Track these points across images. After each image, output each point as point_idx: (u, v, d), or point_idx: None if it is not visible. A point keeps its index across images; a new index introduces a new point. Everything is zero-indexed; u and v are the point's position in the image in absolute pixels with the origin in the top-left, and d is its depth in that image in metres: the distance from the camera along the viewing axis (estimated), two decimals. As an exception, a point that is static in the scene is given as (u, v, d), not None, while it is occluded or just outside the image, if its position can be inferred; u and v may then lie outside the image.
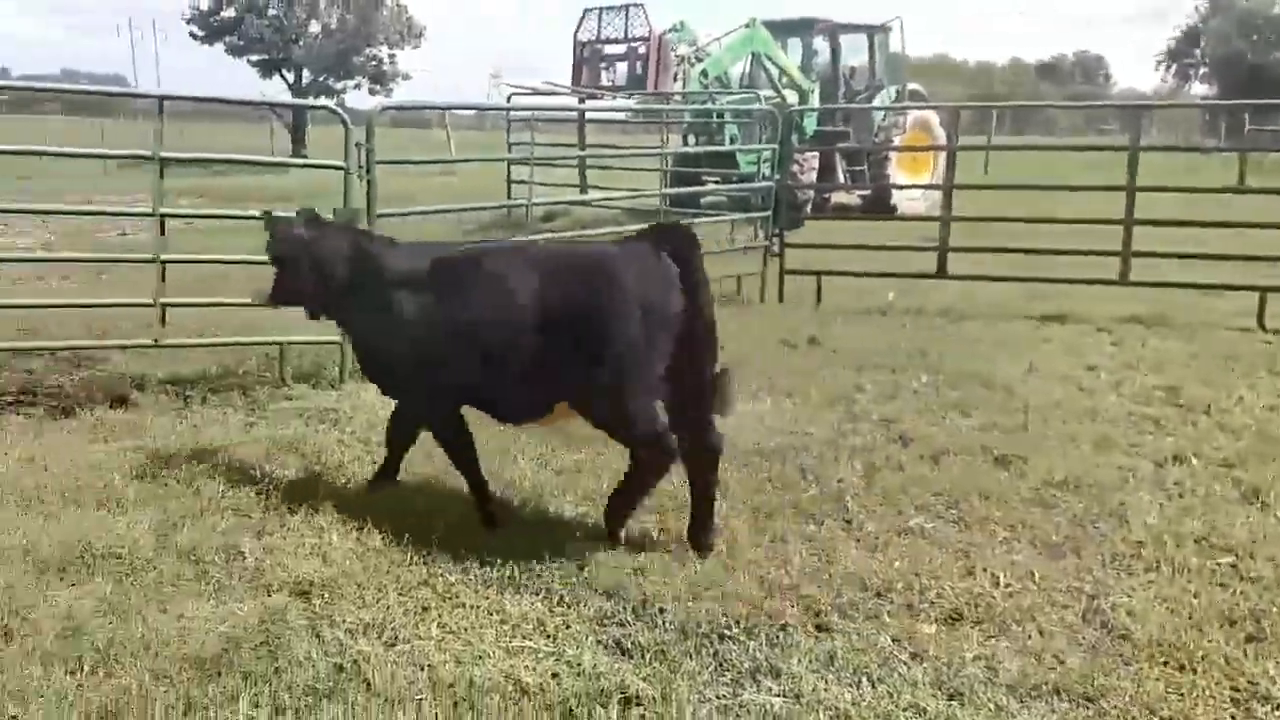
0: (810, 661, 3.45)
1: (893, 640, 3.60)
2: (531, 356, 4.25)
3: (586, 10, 16.98)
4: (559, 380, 4.30)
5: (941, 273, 9.72)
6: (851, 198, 19.31)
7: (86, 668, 3.24)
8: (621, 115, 19.57)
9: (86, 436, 5.55)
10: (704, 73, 15.66)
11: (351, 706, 3.11)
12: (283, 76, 41.49)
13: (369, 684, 3.22)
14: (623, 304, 4.18)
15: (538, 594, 3.88)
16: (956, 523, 4.66)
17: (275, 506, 4.54)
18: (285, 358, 6.80)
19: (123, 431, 5.65)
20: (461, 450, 4.60)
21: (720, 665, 3.43)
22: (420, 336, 4.43)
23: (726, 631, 3.63)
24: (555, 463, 5.23)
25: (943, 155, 13.79)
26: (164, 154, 6.31)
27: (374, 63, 42.26)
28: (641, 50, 16.09)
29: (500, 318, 4.28)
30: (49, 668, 3.22)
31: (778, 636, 3.60)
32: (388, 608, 3.71)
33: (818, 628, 3.69)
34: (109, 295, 8.21)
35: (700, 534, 4.30)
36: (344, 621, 3.59)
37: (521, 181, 14.12)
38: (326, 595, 3.77)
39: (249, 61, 40.96)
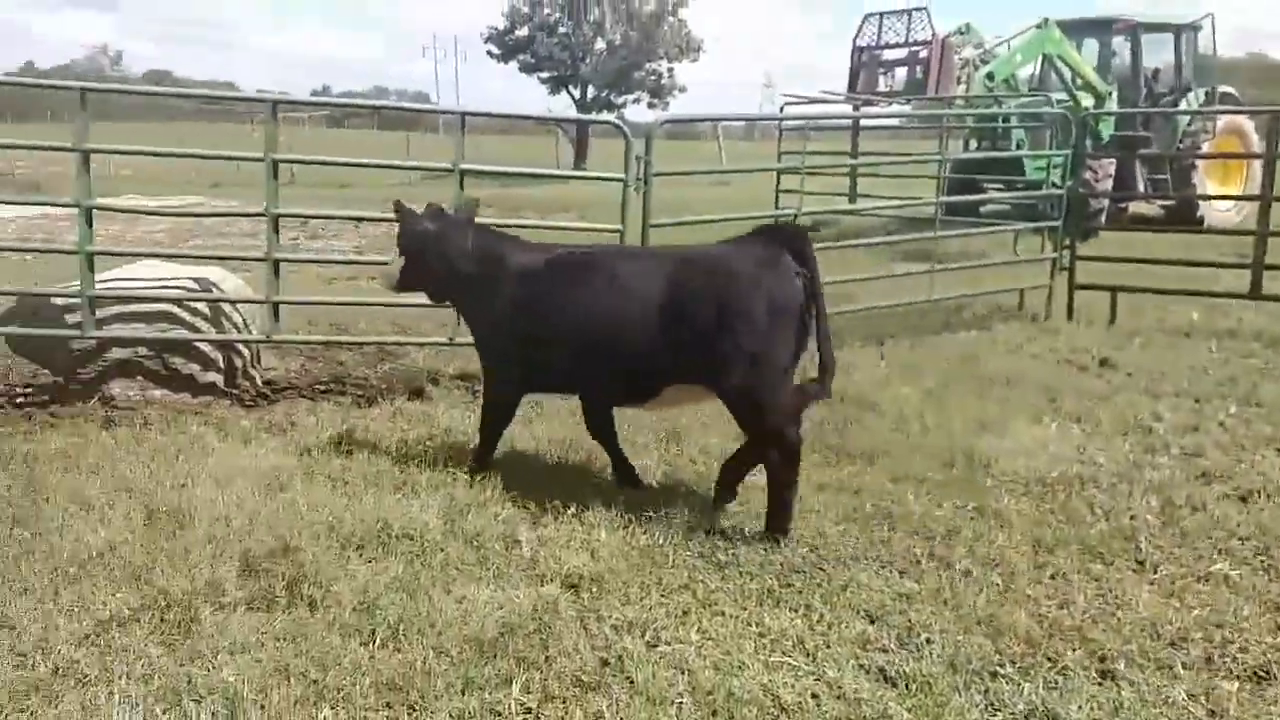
0: (1092, 710, 3.19)
1: (1187, 695, 3.27)
2: (645, 347, 4.60)
3: (867, 15, 16.65)
4: (670, 369, 4.63)
5: (1256, 292, 8.73)
6: (1152, 208, 17.74)
7: (378, 641, 3.51)
8: (896, 121, 19.02)
9: (386, 424, 6.06)
10: (989, 75, 14.91)
11: (615, 702, 3.20)
12: (569, 92, 43.72)
13: (631, 681, 3.30)
14: (747, 299, 4.44)
15: (796, 610, 3.83)
16: (1265, 571, 4.17)
17: (550, 500, 4.76)
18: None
19: (418, 421, 6.11)
20: (499, 424, 5.21)
21: (991, 705, 3.24)
22: (522, 323, 4.88)
23: (999, 669, 3.42)
24: (817, 478, 5.15)
25: (1258, 164, 12.41)
26: (464, 166, 6.79)
27: (654, 77, 43.64)
28: (923, 54, 15.55)
29: (616, 311, 4.66)
30: (346, 639, 3.51)
31: (1057, 680, 3.36)
32: (650, 608, 3.79)
33: (1102, 674, 3.41)
34: (409, 297, 8.93)
35: (773, 520, 4.46)
36: (610, 617, 3.70)
37: (791, 191, 14.05)
38: (594, 589, 3.90)
39: (539, 79, 43.52)
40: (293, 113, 35.34)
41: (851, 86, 16.66)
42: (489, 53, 43.85)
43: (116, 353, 6.35)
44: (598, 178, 8.50)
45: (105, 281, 6.48)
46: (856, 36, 16.73)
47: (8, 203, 15.62)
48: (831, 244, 11.31)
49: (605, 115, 37.84)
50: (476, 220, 5.29)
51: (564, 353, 4.84)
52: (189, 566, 3.91)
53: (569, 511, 4.62)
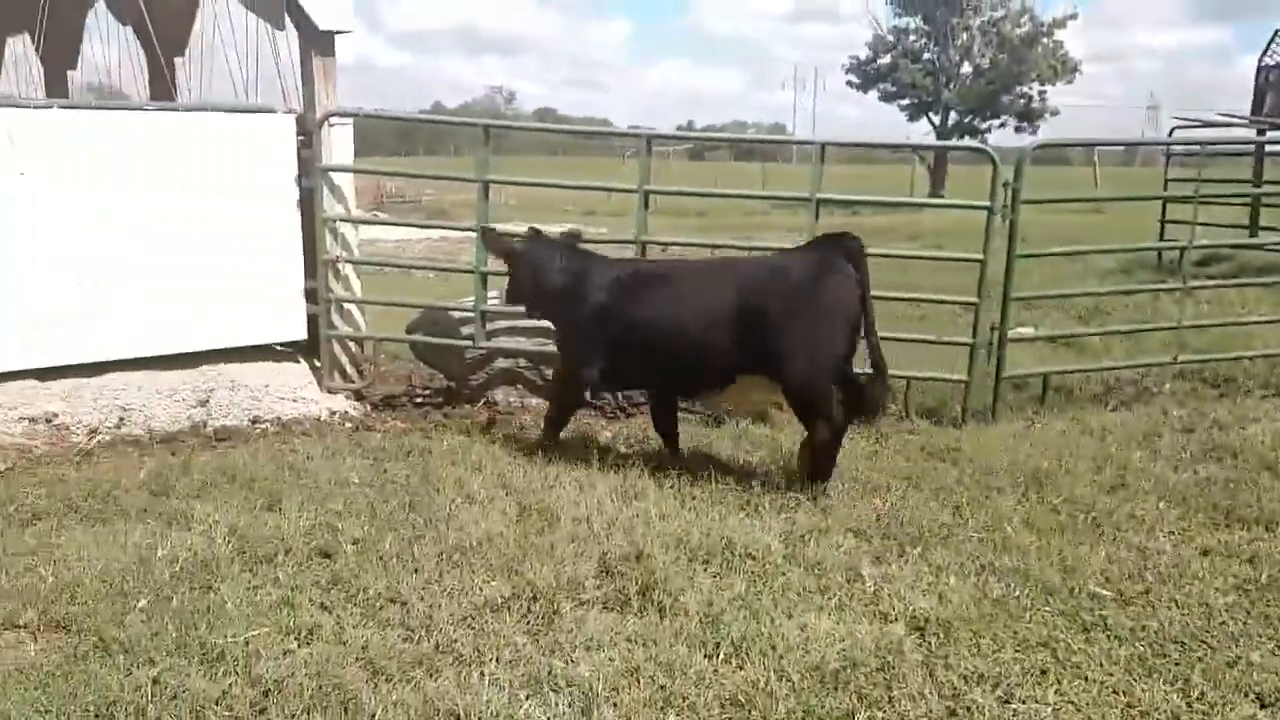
0: None
1: None
2: (715, 347, 5.30)
3: (1277, 30, 14.79)
4: (733, 365, 5.36)
5: None
6: None
7: (721, 655, 3.59)
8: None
9: (730, 445, 6.20)
10: None
11: (962, 755, 3.05)
12: (929, 119, 42.66)
13: (981, 736, 3.13)
14: (812, 302, 5.18)
15: (1172, 684, 3.45)
16: None
17: (892, 535, 4.65)
18: (910, 392, 6.92)
19: (761, 444, 6.20)
20: (567, 414, 6.05)
21: None
22: (601, 329, 5.54)
23: None
24: (1202, 540, 4.62)
25: None
26: (820, 195, 6.82)
27: (1023, 100, 41.51)
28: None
29: (692, 315, 5.35)
30: (692, 649, 3.62)
31: None
32: (1003, 662, 3.57)
33: None
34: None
35: (818, 475, 5.25)
36: (958, 666, 3.53)
37: (1179, 221, 12.72)
38: (941, 635, 3.74)
39: (899, 106, 42.86)
40: (660, 146, 37.34)
41: (1256, 109, 14.85)
42: (849, 83, 43.91)
43: (501, 362, 7.05)
44: (961, 205, 8.20)
45: (495, 297, 7.19)
46: (1264, 54, 14.93)
47: (417, 225, 17.80)
48: (1225, 281, 10.14)
49: (969, 140, 36.51)
50: (576, 244, 6.00)
51: (643, 353, 5.51)
52: (554, 562, 4.23)
53: (915, 551, 4.48)
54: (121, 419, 6.30)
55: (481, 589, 4.03)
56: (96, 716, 3.16)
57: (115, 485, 5.17)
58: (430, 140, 58.92)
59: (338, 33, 7.12)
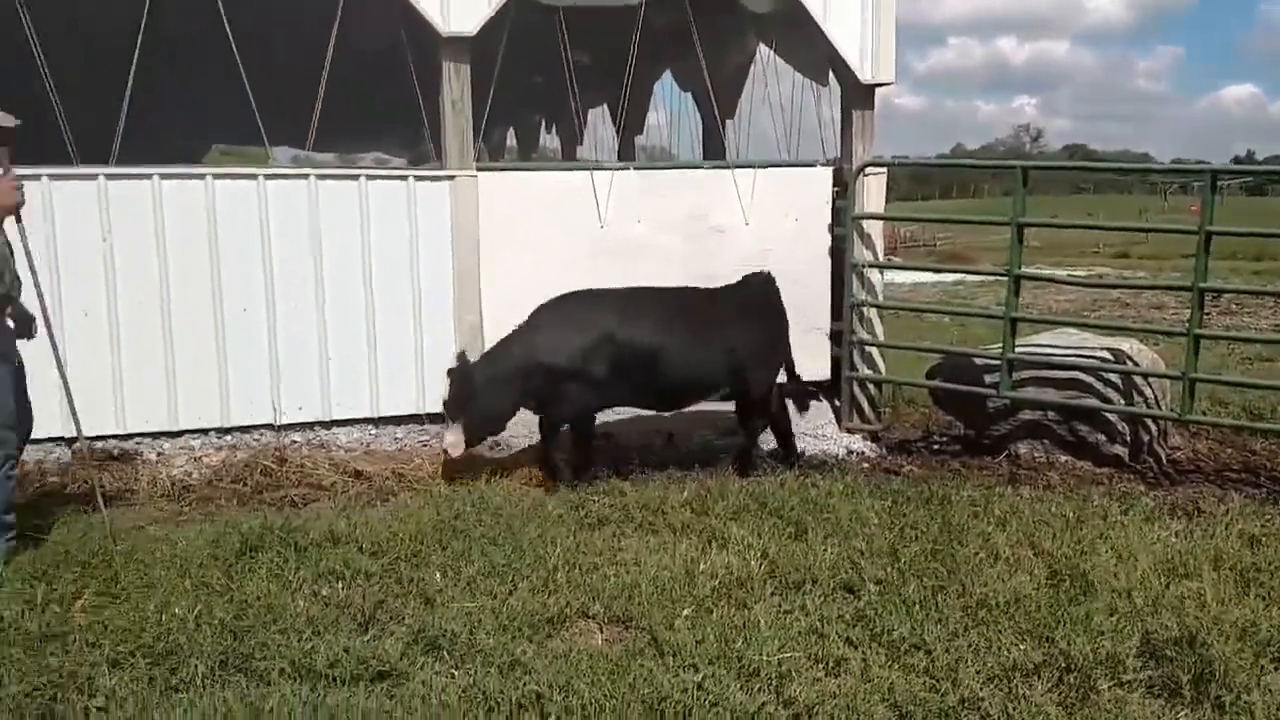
0: None
1: None
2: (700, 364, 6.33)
3: None
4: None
5: None
6: None
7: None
8: None
9: None
10: None
11: None
12: None
13: None
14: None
15: None
16: None
17: None
18: None
19: None
20: (587, 438, 6.43)
21: None
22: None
23: None
24: None
25: None
26: None
27: None
28: None
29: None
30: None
31: None
32: None
33: None
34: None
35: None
36: None
37: None
38: None
39: None
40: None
41: None
42: None
43: (1026, 414, 6.74)
44: None
45: (1022, 346, 6.92)
46: None
47: (934, 270, 17.60)
48: None
49: None
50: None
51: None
52: (1090, 634, 3.95)
53: None
54: (671, 437, 7.06)
55: (1009, 650, 3.88)
56: (648, 708, 3.55)
57: (663, 501, 5.77)
58: (946, 182, 58.29)
59: (878, 85, 7.37)
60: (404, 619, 4.13)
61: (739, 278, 6.61)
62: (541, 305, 6.25)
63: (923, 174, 53.57)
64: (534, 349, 6.10)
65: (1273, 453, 6.84)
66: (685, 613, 4.24)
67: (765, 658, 3.77)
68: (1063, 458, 6.54)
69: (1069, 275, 12.44)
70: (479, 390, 6.03)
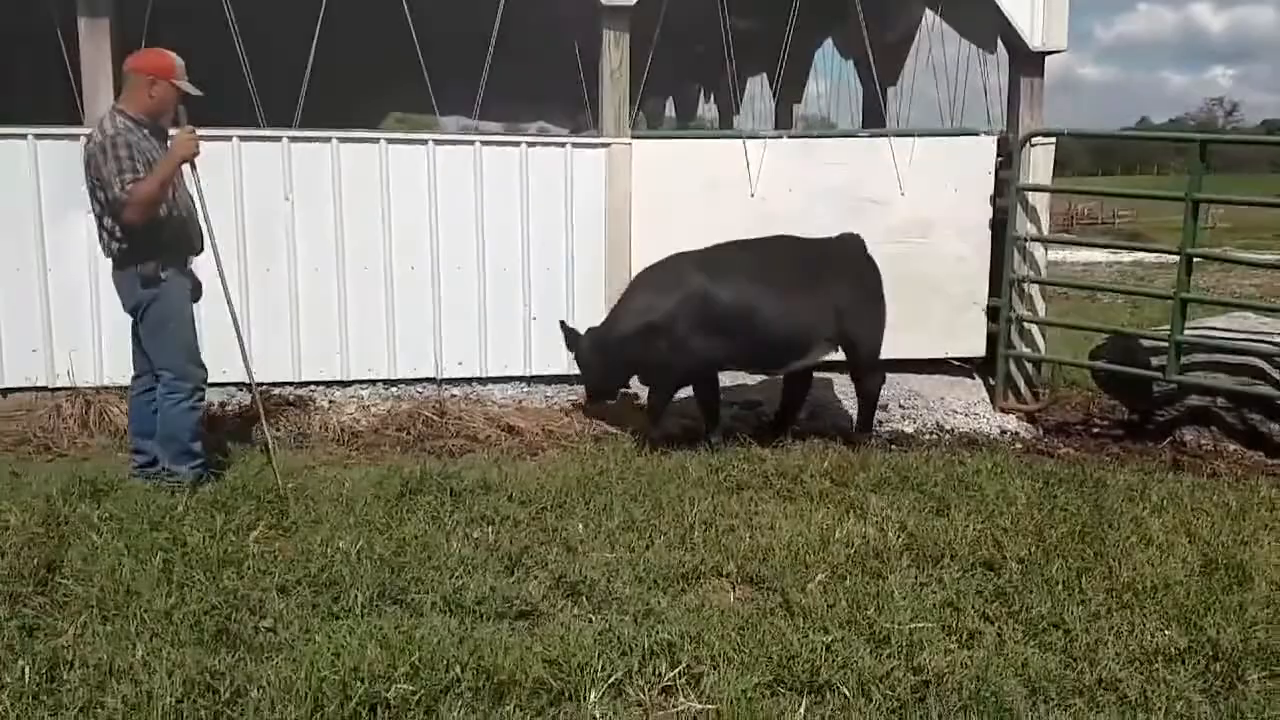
0: None
1: None
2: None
3: None
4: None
5: None
6: None
7: None
8: None
9: None
10: None
11: None
12: None
13: None
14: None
15: None
16: None
17: None
18: None
19: None
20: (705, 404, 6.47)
21: None
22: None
23: None
24: None
25: None
26: None
27: None
28: None
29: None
30: None
31: None
32: None
33: None
34: None
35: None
36: None
37: None
38: None
39: None
40: None
41: None
42: None
43: (1194, 400, 6.41)
44: None
45: (1193, 330, 6.57)
46: None
47: (1105, 246, 16.82)
48: None
49: None
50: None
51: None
52: (1242, 624, 3.78)
53: None
54: (813, 412, 7.04)
55: (1153, 635, 3.76)
56: (779, 665, 3.62)
57: (803, 469, 5.80)
58: (1129, 159, 55.05)
59: (1049, 52, 7.09)
60: (547, 564, 4.33)
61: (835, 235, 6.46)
62: (641, 270, 6.35)
63: (1105, 149, 50.62)
64: (627, 313, 6.13)
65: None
66: (819, 577, 4.28)
67: (897, 626, 3.78)
68: (1231, 446, 6.20)
69: (1253, 257, 11.66)
70: (584, 361, 6.34)
